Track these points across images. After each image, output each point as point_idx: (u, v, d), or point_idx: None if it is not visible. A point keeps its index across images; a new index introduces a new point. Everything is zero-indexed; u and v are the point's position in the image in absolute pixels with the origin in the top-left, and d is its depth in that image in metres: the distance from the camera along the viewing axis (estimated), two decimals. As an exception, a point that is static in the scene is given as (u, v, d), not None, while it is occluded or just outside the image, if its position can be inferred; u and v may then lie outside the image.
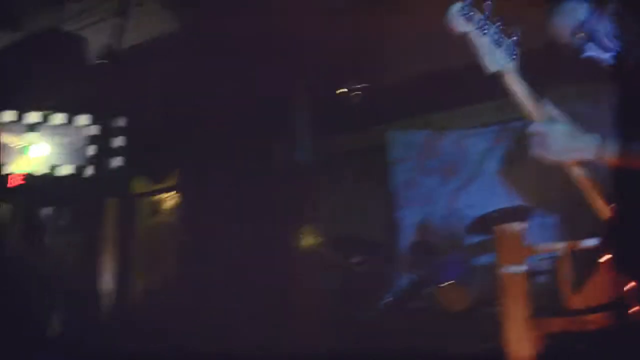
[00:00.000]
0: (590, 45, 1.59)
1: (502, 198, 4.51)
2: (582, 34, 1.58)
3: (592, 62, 1.61)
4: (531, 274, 3.44)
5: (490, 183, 4.89)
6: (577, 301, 3.32)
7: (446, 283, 3.90)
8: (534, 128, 1.48)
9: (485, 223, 3.76)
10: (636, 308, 1.54)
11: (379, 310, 4.17)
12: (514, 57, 1.49)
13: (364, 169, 5.49)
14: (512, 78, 1.49)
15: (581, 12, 1.59)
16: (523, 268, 3.31)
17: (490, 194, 4.81)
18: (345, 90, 4.58)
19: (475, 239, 4.25)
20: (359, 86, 4.55)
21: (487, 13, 1.47)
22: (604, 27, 1.56)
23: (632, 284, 1.52)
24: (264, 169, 4.83)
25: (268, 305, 3.97)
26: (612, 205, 1.54)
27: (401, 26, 4.05)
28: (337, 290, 4.27)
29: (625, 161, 1.46)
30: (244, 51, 4.01)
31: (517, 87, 1.49)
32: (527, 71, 1.53)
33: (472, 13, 1.45)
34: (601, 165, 1.52)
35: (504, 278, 3.37)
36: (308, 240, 4.76)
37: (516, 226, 3.32)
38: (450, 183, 5.17)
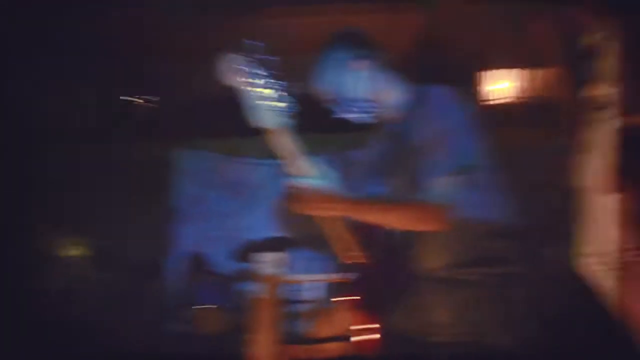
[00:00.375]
0: (338, 107, 1.74)
1: (275, 228, 4.71)
2: (330, 97, 1.72)
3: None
4: (283, 302, 3.62)
5: (268, 212, 5.08)
6: (321, 330, 3.56)
7: (205, 305, 3.92)
8: (298, 182, 1.56)
9: (250, 250, 3.87)
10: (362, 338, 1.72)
11: (135, 328, 4.03)
12: (290, 115, 1.54)
13: (146, 181, 5.32)
14: (282, 135, 1.53)
15: (333, 75, 1.73)
16: (273, 295, 3.48)
17: (268, 223, 5.00)
18: (132, 99, 4.44)
19: (242, 264, 4.36)
20: (146, 97, 4.44)
21: (263, 69, 1.47)
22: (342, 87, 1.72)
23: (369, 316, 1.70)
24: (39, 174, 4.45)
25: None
26: (365, 251, 1.69)
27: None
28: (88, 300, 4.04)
29: (374, 219, 1.63)
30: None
31: (287, 143, 1.53)
32: (302, 127, 1.59)
33: (246, 67, 1.44)
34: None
35: (254, 303, 3.52)
36: (71, 250, 4.47)
37: (273, 256, 3.49)
38: (232, 206, 5.27)
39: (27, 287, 3.56)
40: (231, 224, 5.41)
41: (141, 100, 4.48)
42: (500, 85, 5.32)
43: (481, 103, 5.01)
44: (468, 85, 4.74)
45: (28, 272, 3.70)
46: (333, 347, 3.29)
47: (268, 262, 3.45)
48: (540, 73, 5.34)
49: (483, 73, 5.11)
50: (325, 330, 3.53)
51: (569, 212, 2.84)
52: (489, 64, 4.97)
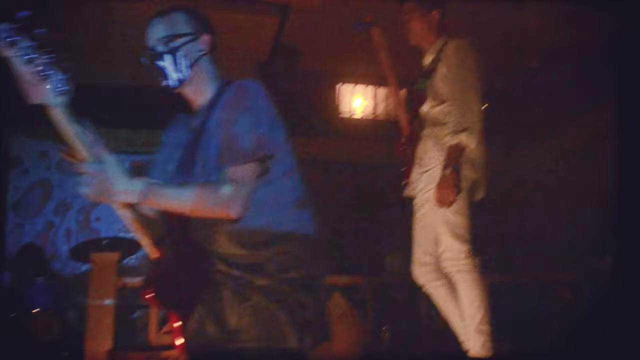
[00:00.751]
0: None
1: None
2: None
3: None
4: (122, 308, 3.48)
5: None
6: (159, 337, 3.47)
7: (35, 310, 3.64)
8: (80, 167, 1.49)
9: (90, 249, 3.66)
10: (180, 342, 1.68)
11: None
12: (62, 92, 1.47)
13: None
14: (60, 114, 1.46)
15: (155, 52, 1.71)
16: (109, 301, 3.32)
17: (115, 221, 4.80)
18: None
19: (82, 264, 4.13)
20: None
21: (37, 42, 1.39)
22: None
23: (175, 319, 1.66)
24: None
25: None
26: (159, 246, 1.65)
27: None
28: None
29: (167, 205, 1.60)
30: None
31: (65, 124, 1.46)
32: (82, 108, 1.51)
33: (17, 38, 1.37)
34: (150, 206, 1.61)
35: (90, 310, 3.33)
36: None
37: (111, 257, 3.32)
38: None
39: None
40: (78, 218, 5.14)
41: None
42: (348, 98, 5.59)
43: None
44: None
45: None
46: (168, 353, 3.23)
47: (104, 263, 3.28)
48: (381, 89, 5.69)
49: (330, 84, 5.32)
50: (156, 336, 3.45)
51: (400, 221, 3.04)
52: (335, 76, 5.18)
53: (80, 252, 3.90)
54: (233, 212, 1.60)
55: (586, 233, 4.26)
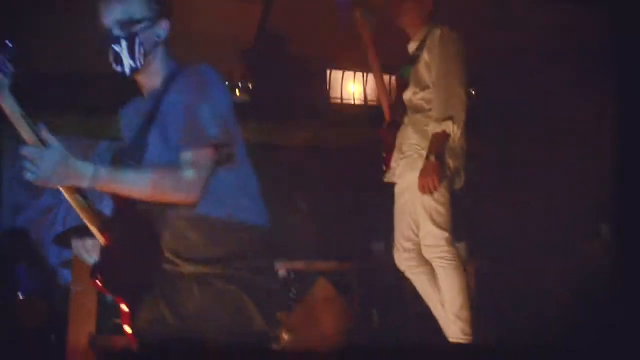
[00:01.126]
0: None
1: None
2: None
3: None
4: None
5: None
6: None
7: (20, 296, 3.64)
8: (24, 151, 1.45)
9: (69, 237, 3.64)
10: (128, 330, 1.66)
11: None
12: (6, 74, 1.43)
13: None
14: (4, 96, 1.43)
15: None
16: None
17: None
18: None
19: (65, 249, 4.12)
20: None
21: None
22: None
23: (124, 306, 1.64)
24: None
25: None
26: (107, 232, 1.63)
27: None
28: None
29: (120, 190, 1.57)
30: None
31: (9, 107, 1.44)
32: (21, 91, 1.48)
33: None
34: (95, 191, 1.58)
35: (74, 294, 3.33)
36: None
37: (90, 242, 3.31)
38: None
39: None
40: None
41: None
42: (338, 83, 5.55)
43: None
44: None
45: None
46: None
47: (87, 249, 3.27)
48: (368, 76, 5.65)
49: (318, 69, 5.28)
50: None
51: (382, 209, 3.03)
52: (323, 61, 5.15)
53: (64, 239, 3.89)
54: (192, 197, 1.59)
55: (580, 218, 4.29)
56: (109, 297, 3.59)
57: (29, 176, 1.45)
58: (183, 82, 1.66)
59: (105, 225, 1.63)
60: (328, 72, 5.59)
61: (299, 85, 5.01)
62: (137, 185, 1.55)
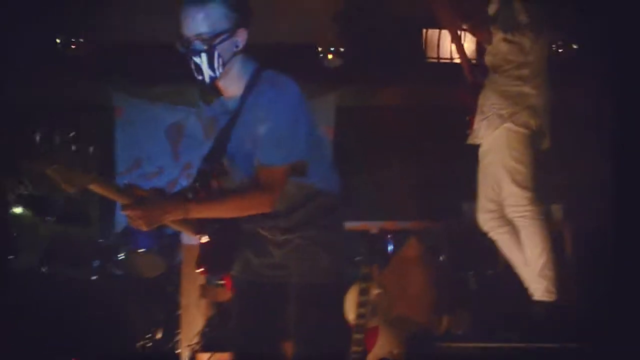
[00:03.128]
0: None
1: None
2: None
3: None
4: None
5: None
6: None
7: (141, 250, 4.06)
8: (125, 212, 1.68)
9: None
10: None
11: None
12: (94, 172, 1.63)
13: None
14: (98, 186, 1.65)
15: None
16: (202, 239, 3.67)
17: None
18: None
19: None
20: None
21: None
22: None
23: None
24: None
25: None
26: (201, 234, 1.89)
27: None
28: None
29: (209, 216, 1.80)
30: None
31: (100, 187, 1.65)
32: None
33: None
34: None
35: (185, 249, 3.71)
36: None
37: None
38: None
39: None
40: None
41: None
42: (431, 43, 5.47)
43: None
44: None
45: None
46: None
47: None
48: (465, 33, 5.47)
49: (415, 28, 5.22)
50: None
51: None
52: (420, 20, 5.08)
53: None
54: (267, 211, 1.82)
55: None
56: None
57: (138, 229, 1.71)
58: (264, 90, 1.79)
59: (197, 229, 1.89)
60: (424, 31, 5.52)
61: (393, 46, 5.02)
62: (221, 212, 1.82)
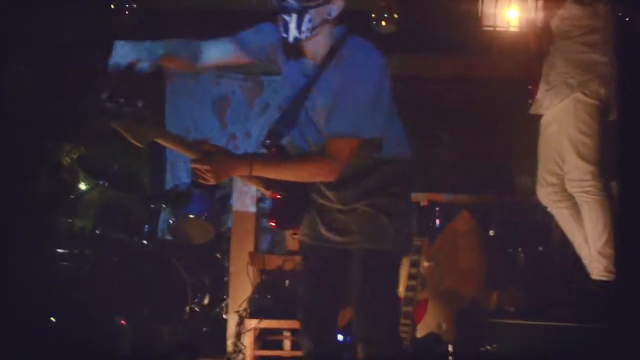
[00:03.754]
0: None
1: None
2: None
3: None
4: (261, 216, 3.83)
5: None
6: (293, 243, 3.79)
7: (191, 215, 4.10)
8: (194, 165, 1.70)
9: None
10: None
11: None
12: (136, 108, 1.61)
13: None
14: (163, 139, 1.67)
15: None
16: (252, 209, 3.71)
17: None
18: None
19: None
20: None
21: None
22: None
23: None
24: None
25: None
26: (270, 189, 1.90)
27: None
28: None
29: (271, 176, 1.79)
30: None
31: (169, 141, 1.68)
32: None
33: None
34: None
35: (235, 215, 3.75)
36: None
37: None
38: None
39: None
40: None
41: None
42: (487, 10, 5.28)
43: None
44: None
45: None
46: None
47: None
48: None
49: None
50: (292, 243, 3.77)
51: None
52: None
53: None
54: (331, 179, 1.79)
55: None
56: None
57: (207, 183, 1.72)
58: (347, 65, 1.73)
59: (268, 184, 1.89)
60: (480, -1, 5.35)
61: (448, 14, 4.86)
62: (285, 174, 1.80)
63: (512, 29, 5.27)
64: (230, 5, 4.40)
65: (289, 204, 1.91)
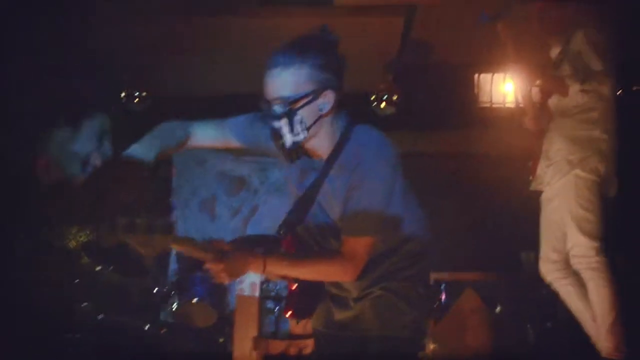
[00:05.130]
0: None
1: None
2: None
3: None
4: (264, 299, 3.78)
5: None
6: (298, 327, 3.72)
7: (194, 299, 4.07)
8: (208, 267, 1.66)
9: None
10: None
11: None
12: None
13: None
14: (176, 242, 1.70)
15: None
16: (256, 293, 3.65)
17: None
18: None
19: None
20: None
21: None
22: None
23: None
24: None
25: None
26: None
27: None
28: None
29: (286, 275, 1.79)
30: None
31: (181, 246, 1.68)
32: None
33: None
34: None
35: (238, 299, 3.69)
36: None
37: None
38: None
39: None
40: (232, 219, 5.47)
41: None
42: (487, 87, 5.41)
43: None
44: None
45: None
46: (307, 343, 3.45)
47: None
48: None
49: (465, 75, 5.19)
50: (305, 327, 3.69)
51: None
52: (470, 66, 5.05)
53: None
54: (350, 280, 1.76)
55: None
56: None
57: (221, 282, 1.68)
58: (355, 161, 1.67)
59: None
60: (476, 75, 5.49)
61: (446, 92, 5.00)
62: (299, 273, 1.77)
63: (508, 105, 5.44)
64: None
65: (305, 294, 1.87)
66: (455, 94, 5.20)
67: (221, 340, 4.15)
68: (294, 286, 1.86)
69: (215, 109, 4.37)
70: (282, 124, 1.66)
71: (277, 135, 1.68)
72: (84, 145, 1.69)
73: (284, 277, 1.83)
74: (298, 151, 1.72)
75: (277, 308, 3.92)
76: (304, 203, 1.79)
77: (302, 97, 1.64)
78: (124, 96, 4.68)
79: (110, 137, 1.75)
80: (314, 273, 1.76)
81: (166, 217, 4.91)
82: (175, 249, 1.70)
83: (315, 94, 1.65)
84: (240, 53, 4.10)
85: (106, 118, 1.76)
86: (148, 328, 4.11)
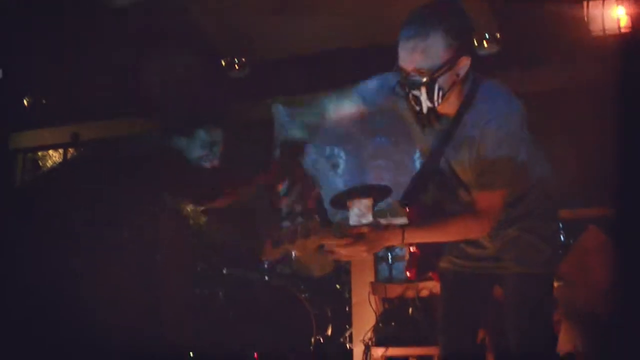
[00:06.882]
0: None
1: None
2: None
3: None
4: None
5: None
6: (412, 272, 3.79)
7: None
8: (344, 248, 1.76)
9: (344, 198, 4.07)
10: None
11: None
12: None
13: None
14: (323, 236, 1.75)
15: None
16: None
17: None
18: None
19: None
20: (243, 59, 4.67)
21: None
22: None
23: None
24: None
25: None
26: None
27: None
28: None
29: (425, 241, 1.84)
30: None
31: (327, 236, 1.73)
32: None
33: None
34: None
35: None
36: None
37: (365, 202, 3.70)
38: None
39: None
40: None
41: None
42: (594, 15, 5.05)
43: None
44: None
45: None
46: (426, 285, 3.51)
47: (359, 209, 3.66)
48: None
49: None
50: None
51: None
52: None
53: (339, 200, 4.34)
54: (485, 234, 1.83)
55: None
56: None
57: (363, 256, 1.79)
58: (483, 119, 1.70)
59: None
60: (585, 3, 5.15)
61: (551, 25, 4.72)
62: (437, 237, 1.84)
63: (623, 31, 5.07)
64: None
65: (425, 255, 1.97)
66: (561, 26, 4.92)
67: (338, 286, 4.32)
68: (414, 248, 1.94)
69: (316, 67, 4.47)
70: (423, 92, 1.68)
71: (416, 101, 1.71)
72: (195, 151, 1.83)
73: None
74: (431, 115, 1.74)
75: (390, 255, 4.00)
76: (430, 165, 1.84)
77: (441, 68, 1.66)
78: (225, 64, 4.80)
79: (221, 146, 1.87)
80: (451, 234, 1.81)
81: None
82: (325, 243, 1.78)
83: (452, 62, 1.67)
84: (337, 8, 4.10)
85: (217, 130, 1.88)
86: (267, 280, 4.34)
